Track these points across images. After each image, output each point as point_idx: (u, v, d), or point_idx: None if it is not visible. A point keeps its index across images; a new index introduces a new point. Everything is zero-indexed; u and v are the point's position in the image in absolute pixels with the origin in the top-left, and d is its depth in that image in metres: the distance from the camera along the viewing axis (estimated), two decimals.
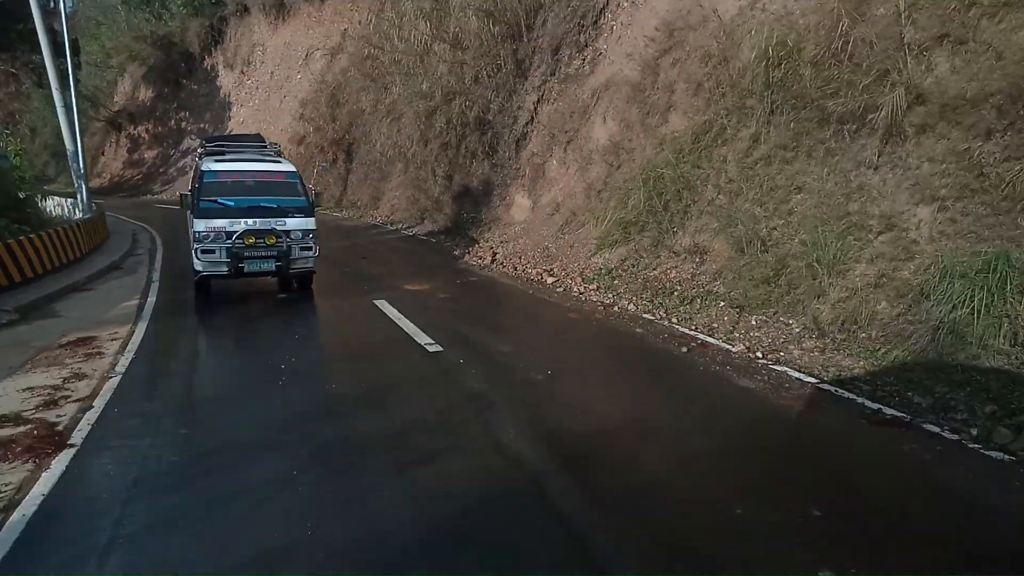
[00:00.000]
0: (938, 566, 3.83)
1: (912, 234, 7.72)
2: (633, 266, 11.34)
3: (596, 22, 15.34)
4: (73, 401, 6.42)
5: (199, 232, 10.24)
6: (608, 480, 4.86)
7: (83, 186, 18.52)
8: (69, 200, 21.83)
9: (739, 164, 10.56)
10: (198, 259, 10.34)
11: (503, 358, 7.67)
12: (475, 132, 17.32)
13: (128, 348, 8.20)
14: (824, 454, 5.33)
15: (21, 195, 15.84)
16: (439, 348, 8.00)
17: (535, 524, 4.23)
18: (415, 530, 4.16)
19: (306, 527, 4.20)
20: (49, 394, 6.59)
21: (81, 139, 18.81)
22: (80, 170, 18.33)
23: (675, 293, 9.94)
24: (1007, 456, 5.09)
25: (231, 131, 38.76)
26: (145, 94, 44.45)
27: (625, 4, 14.79)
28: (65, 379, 7.05)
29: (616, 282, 11.03)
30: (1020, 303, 6.14)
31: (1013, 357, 6.06)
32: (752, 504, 4.45)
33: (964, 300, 6.32)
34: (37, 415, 6.06)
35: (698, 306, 9.40)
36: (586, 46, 15.45)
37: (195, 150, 23.90)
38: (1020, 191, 6.76)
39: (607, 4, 15.19)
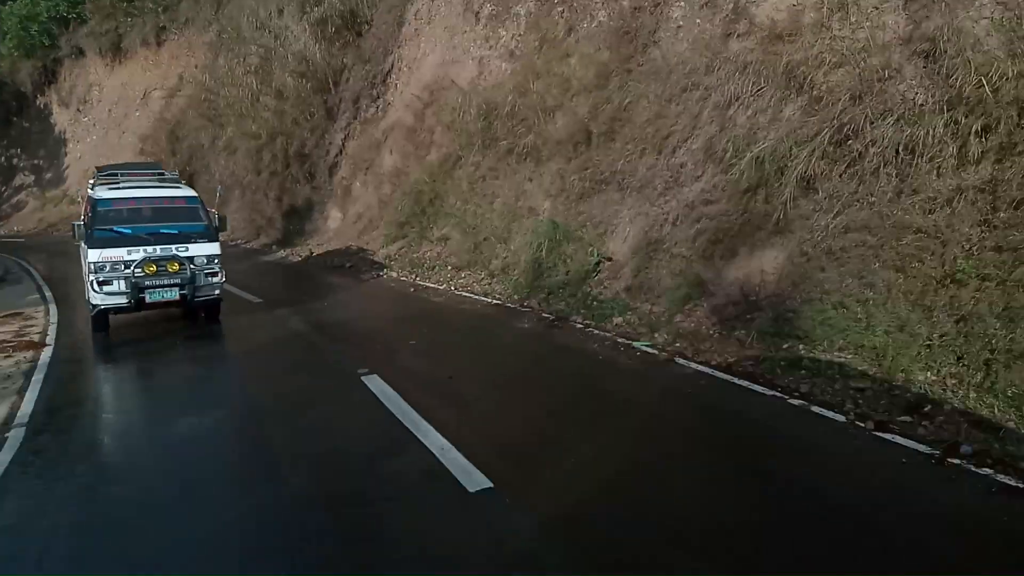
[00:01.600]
0: (442, 330, 9.75)
1: (540, 217, 13.93)
2: (405, 252, 17.02)
3: (384, 81, 21.11)
4: (36, 333, 11.10)
5: (95, 263, 10.10)
6: (339, 333, 10.46)
7: None
8: None
9: (468, 181, 16.56)
10: (95, 291, 10.20)
11: (304, 302, 13.06)
12: (297, 163, 22.52)
13: (50, 314, 12.74)
14: (449, 316, 11.24)
15: None
16: (261, 301, 13.26)
17: (302, 345, 9.75)
18: (257, 351, 9.51)
19: (192, 384, 9.46)
20: (16, 333, 11.19)
21: None
22: None
23: (424, 265, 15.71)
24: (553, 318, 11.22)
25: (67, 166, 40.92)
26: None
27: (404, 69, 20.66)
28: (21, 328, 11.62)
29: (392, 263, 16.66)
30: (566, 246, 12.40)
31: (564, 273, 12.25)
32: (397, 330, 10.23)
33: (541, 246, 12.52)
34: (20, 339, 10.73)
35: (436, 271, 15.22)
36: (378, 98, 21.17)
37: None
38: (580, 191, 13.08)
39: (392, 68, 21.01)
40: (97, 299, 10.24)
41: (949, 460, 5.34)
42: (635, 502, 4.86)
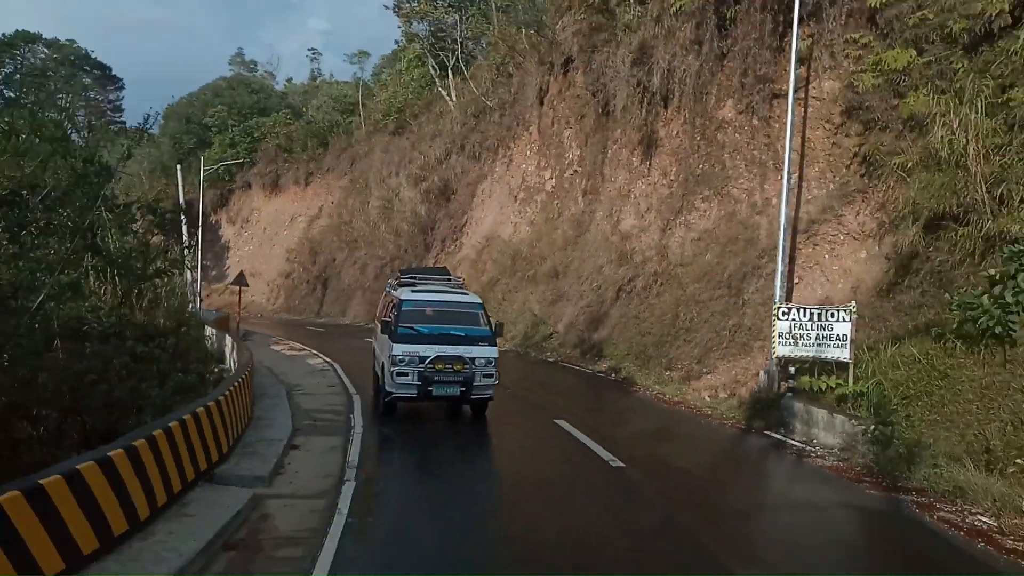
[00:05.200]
0: None
1: (532, 313, 28.31)
2: None
3: (461, 230, 36.64)
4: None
5: (396, 356, 11.60)
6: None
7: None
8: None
9: (502, 293, 31.23)
10: (392, 381, 11.69)
11: None
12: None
13: (297, 342, 27.84)
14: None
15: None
16: None
17: None
18: None
19: None
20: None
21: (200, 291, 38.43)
22: (198, 305, 37.81)
23: None
24: (522, 352, 25.62)
25: (228, 267, 58.34)
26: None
27: (472, 224, 36.12)
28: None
29: None
30: (540, 326, 26.80)
31: (536, 338, 26.50)
32: None
33: (528, 326, 26.95)
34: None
35: None
36: (456, 240, 36.62)
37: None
38: (550, 300, 27.55)
39: (465, 223, 36.54)
40: (392, 388, 11.94)
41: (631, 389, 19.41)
42: (532, 382, 19.05)
